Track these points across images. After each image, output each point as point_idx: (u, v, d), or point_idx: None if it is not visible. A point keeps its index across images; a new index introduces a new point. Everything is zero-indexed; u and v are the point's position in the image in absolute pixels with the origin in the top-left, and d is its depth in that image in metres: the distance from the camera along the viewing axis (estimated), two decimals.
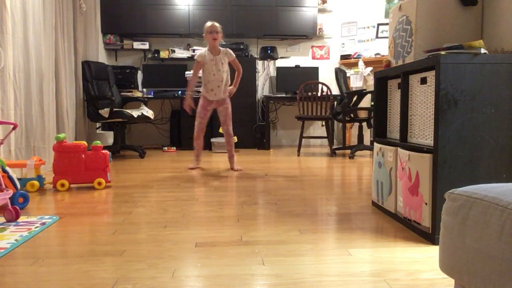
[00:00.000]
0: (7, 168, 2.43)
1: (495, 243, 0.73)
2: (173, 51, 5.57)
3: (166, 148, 5.33)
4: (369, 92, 4.45)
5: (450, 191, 0.91)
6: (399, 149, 1.96)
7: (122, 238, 1.77)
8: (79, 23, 4.55)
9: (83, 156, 2.87)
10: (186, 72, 5.44)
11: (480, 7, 1.95)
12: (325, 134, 5.29)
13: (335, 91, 5.24)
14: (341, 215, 2.14)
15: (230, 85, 3.81)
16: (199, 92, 3.87)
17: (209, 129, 4.74)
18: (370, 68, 5.28)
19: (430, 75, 1.77)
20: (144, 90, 5.60)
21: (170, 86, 5.53)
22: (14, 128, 2.17)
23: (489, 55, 1.65)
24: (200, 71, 3.68)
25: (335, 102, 5.38)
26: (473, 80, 1.62)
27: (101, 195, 2.68)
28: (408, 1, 2.01)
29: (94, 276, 1.36)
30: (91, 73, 4.63)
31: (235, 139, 5.26)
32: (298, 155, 4.76)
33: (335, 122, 5.91)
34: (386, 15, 5.46)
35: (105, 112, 4.38)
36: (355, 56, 5.60)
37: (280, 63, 5.94)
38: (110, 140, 5.16)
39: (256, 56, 5.83)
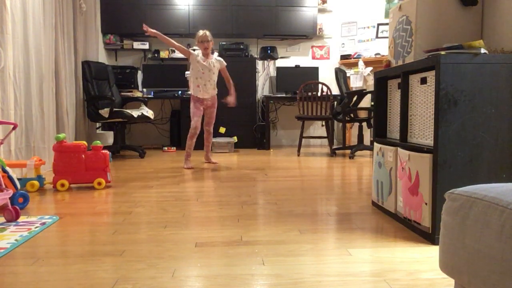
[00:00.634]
0: (7, 168, 2.43)
1: (495, 243, 0.73)
2: (173, 51, 5.57)
3: (166, 148, 5.33)
4: (369, 92, 4.45)
5: (450, 191, 0.91)
6: (399, 149, 1.96)
7: (122, 238, 1.77)
8: (79, 23, 4.55)
9: (83, 156, 2.87)
10: (186, 72, 5.44)
11: (480, 7, 1.95)
12: (325, 134, 5.29)
13: (335, 91, 5.24)
14: (341, 215, 2.14)
15: (216, 89, 3.99)
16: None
17: None
18: (370, 68, 5.28)
19: (430, 75, 1.77)
20: (144, 90, 5.60)
21: (170, 86, 5.53)
22: (14, 128, 2.17)
23: (489, 55, 1.65)
24: (190, 73, 3.90)
25: (335, 102, 5.37)
26: (473, 80, 1.62)
27: (101, 195, 2.68)
28: (408, 1, 2.01)
29: (94, 276, 1.36)
30: (91, 73, 4.63)
31: (235, 139, 5.28)
32: (298, 155, 4.76)
33: (335, 122, 5.91)
34: (386, 15, 5.46)
35: (105, 112, 4.38)
36: (355, 56, 5.60)
37: (280, 63, 5.94)
38: (110, 140, 5.17)
39: (256, 56, 5.83)
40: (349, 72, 5.50)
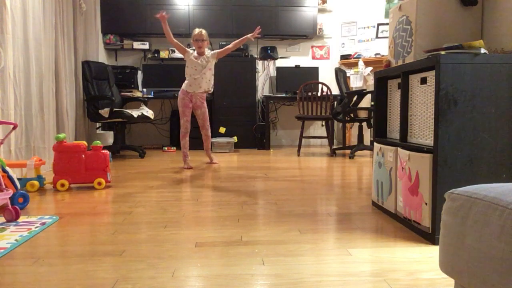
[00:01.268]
0: (7, 168, 2.43)
1: (495, 243, 0.73)
2: (173, 51, 5.57)
3: (166, 148, 5.33)
4: (369, 92, 4.45)
5: (450, 191, 0.91)
6: (399, 149, 1.96)
7: (122, 238, 1.77)
8: (79, 23, 4.55)
9: (83, 156, 2.87)
10: None
11: (480, 7, 1.95)
12: (325, 134, 5.29)
13: (335, 91, 5.24)
14: (341, 215, 2.14)
15: (211, 87, 4.03)
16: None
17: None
18: (370, 68, 5.28)
19: (430, 75, 1.77)
20: (144, 90, 5.60)
21: (170, 86, 5.53)
22: (14, 128, 2.17)
23: (489, 55, 1.65)
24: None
25: (335, 102, 5.38)
26: (473, 80, 1.62)
27: (101, 195, 2.68)
28: (408, 1, 2.01)
29: (94, 276, 1.36)
30: (91, 73, 4.63)
31: (235, 139, 5.28)
32: (298, 155, 4.76)
33: (335, 122, 5.91)
34: (386, 15, 5.46)
35: (105, 112, 4.38)
36: (355, 56, 5.60)
37: (280, 63, 5.94)
38: (110, 140, 5.16)
39: (256, 56, 5.83)
40: (349, 72, 5.50)
